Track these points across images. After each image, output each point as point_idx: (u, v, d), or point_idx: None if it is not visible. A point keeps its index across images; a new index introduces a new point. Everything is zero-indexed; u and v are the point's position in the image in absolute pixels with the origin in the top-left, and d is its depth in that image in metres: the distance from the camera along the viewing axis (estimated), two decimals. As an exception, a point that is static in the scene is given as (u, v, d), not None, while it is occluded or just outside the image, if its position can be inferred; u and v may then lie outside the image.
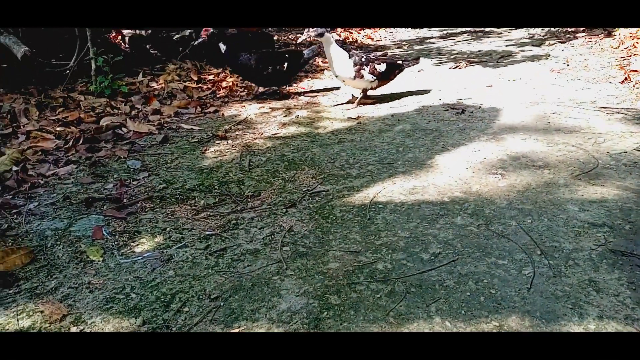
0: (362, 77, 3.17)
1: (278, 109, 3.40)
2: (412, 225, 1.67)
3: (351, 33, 7.51)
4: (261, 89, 3.84)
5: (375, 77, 3.20)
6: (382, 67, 3.20)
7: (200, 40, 3.60)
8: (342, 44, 6.55)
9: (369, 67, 3.17)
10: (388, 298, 1.29)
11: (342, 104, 3.41)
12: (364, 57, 3.22)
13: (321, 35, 3.15)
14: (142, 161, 2.42)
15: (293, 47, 3.52)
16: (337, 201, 1.90)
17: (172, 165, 2.35)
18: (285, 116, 3.20)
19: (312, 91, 3.91)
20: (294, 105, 3.49)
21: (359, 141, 2.59)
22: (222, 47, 3.50)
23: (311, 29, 3.15)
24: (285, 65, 3.49)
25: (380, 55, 3.42)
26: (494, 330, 1.15)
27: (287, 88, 3.99)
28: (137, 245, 1.63)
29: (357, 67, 3.16)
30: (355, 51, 3.30)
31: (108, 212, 1.87)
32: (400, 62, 3.38)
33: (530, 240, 1.51)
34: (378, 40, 7.15)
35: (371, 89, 3.34)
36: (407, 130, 2.70)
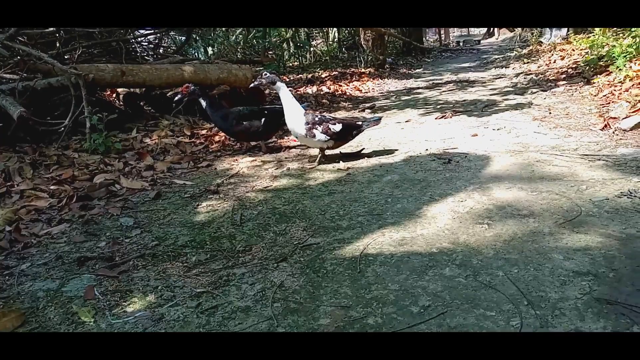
0: (313, 136, 3.11)
1: (270, 162, 3.47)
2: (402, 278, 1.69)
3: (340, 86, 7.73)
4: (253, 143, 3.92)
5: (329, 137, 3.12)
6: (337, 127, 3.12)
7: (179, 96, 3.69)
8: (332, 96, 6.74)
9: (322, 126, 3.10)
10: (378, 353, 1.30)
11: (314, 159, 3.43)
12: (319, 116, 3.17)
13: (272, 82, 3.11)
14: (134, 218, 2.45)
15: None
16: (328, 254, 1.92)
17: (164, 222, 2.38)
18: (277, 169, 3.26)
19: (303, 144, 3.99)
20: (285, 158, 3.56)
21: (349, 192, 2.64)
22: (203, 102, 3.60)
23: (263, 76, 3.11)
24: (263, 121, 3.57)
25: (340, 117, 3.33)
26: (484, 384, 1.16)
27: (279, 141, 4.08)
28: (129, 304, 1.64)
29: (309, 125, 3.09)
30: (311, 111, 3.23)
31: (100, 271, 1.89)
32: (360, 122, 3.33)
33: (517, 291, 1.54)
34: (367, 92, 7.36)
35: (327, 148, 3.26)
36: (396, 181, 2.76)
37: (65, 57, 5.47)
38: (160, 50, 7.78)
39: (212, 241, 2.12)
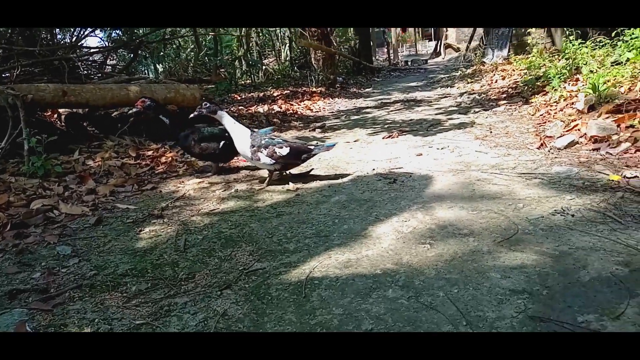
0: (258, 159, 3.10)
1: (217, 183, 3.43)
2: (346, 301, 1.70)
3: (291, 105, 7.77)
4: (200, 163, 3.87)
5: (274, 161, 3.09)
6: (283, 151, 3.07)
7: (135, 109, 3.59)
8: (283, 115, 6.76)
9: (267, 150, 3.06)
10: (320, 381, 1.29)
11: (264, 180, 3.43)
12: (266, 139, 3.12)
13: (214, 112, 3.14)
14: (72, 246, 2.35)
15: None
16: (274, 279, 1.91)
17: (104, 249, 2.30)
18: (225, 190, 3.22)
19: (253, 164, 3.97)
20: (234, 179, 3.53)
21: (297, 214, 2.64)
22: (165, 120, 3.53)
23: (203, 106, 3.14)
24: (221, 144, 3.53)
25: (289, 139, 3.29)
26: (422, 408, 1.17)
27: (229, 162, 4.04)
28: (63, 340, 1.56)
29: (254, 149, 3.08)
30: (257, 132, 3.23)
31: (33, 304, 1.79)
32: (311, 147, 3.26)
33: (456, 311, 1.57)
34: (317, 111, 7.43)
35: (275, 170, 3.24)
36: (343, 202, 2.78)
37: (3, 75, 5.25)
38: (109, 69, 7.60)
39: (153, 269, 2.06)
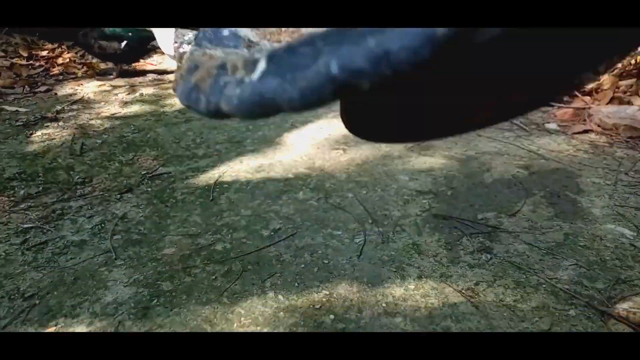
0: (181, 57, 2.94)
1: (121, 86, 3.16)
2: (256, 204, 1.66)
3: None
4: (102, 65, 3.54)
5: None
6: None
7: None
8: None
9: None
10: (224, 278, 1.27)
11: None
12: (189, 35, 2.96)
13: None
14: (-51, 149, 2.09)
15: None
16: (180, 183, 1.82)
17: (-12, 153, 2.07)
18: (129, 94, 2.98)
19: (161, 68, 3.69)
20: (139, 83, 3.27)
21: (208, 120, 2.51)
22: None
23: None
24: (123, 44, 3.21)
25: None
26: (324, 299, 1.18)
27: (134, 64, 3.72)
28: None
29: (177, 44, 2.92)
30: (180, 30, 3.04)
31: None
32: None
33: (363, 210, 1.58)
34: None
35: None
36: (258, 108, 2.67)
37: None
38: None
39: (45, 173, 1.88)
